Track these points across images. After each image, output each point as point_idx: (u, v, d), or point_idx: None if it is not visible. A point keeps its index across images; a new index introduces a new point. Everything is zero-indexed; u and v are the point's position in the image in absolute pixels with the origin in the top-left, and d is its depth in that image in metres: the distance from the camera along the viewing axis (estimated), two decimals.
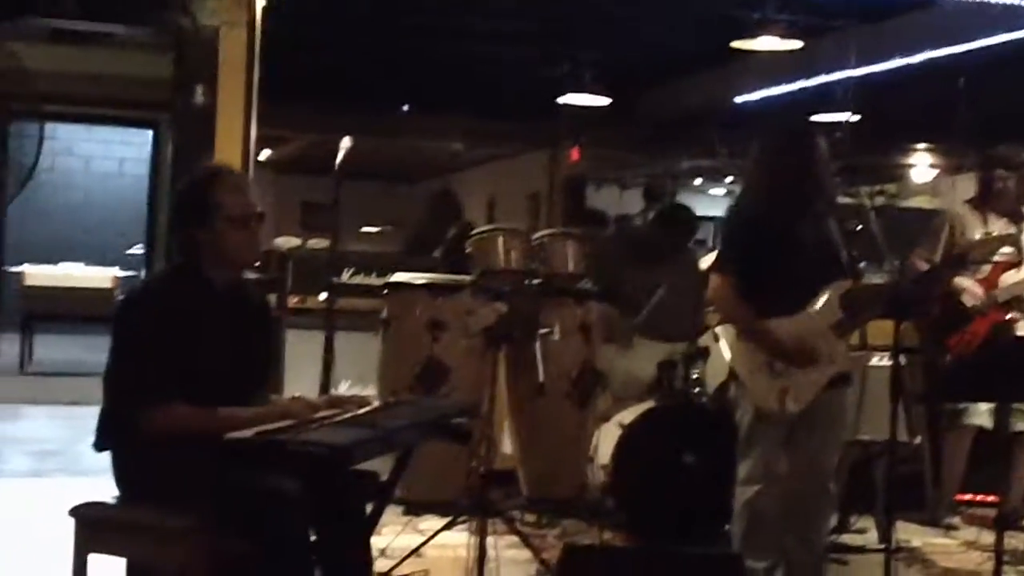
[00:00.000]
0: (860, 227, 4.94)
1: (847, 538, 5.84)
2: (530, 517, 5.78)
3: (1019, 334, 6.06)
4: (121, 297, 5.15)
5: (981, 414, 6.04)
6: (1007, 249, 6.02)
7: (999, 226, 6.14)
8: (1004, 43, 7.49)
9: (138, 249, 12.13)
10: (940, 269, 5.74)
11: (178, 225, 3.69)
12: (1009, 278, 6.04)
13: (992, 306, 6.02)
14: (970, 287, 6.02)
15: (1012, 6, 6.65)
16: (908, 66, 8.33)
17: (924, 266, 6.02)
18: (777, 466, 4.73)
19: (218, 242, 3.60)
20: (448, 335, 5.79)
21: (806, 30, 7.80)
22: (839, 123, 8.92)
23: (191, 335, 3.50)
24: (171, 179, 5.55)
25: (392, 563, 4.78)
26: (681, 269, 6.50)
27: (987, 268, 6.02)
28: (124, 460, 3.57)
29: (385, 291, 6.15)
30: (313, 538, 3.49)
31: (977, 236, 6.10)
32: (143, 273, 11.30)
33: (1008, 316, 6.04)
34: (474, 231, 6.06)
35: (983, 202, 6.24)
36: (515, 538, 4.96)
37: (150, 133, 11.23)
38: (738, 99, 10.36)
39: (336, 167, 5.03)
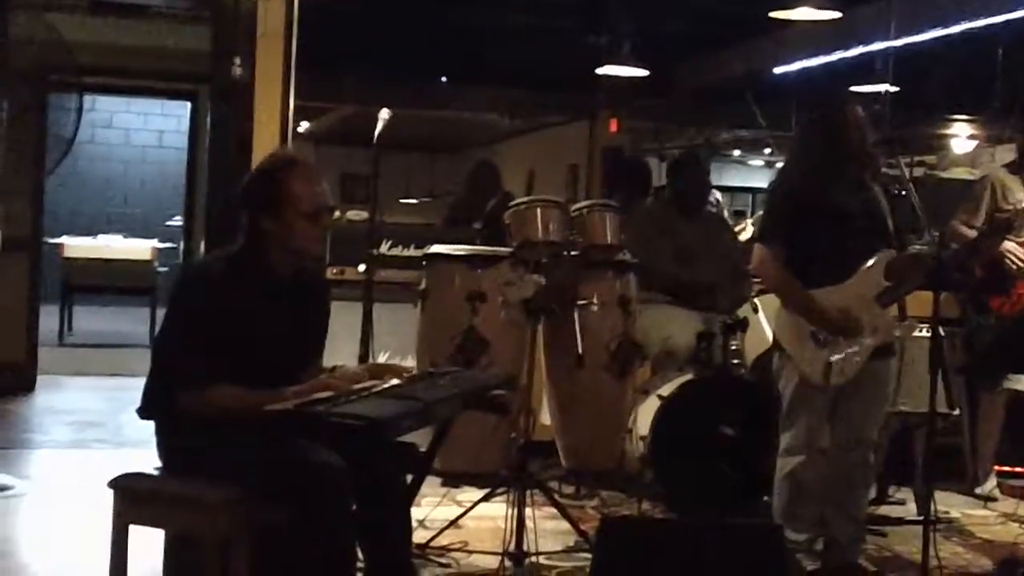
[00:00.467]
0: (903, 194, 4.90)
1: (886, 509, 5.84)
2: (568, 488, 5.81)
3: None
4: (179, 274, 5.19)
5: (1019, 380, 6.00)
6: None
7: None
8: None
9: (176, 221, 12.17)
10: (984, 238, 5.70)
11: (246, 210, 3.69)
12: None
13: None
14: (1014, 250, 6.01)
15: None
16: (946, 36, 8.24)
17: (966, 230, 6.01)
18: (820, 437, 4.73)
19: (287, 233, 3.62)
20: (487, 307, 5.78)
21: (844, 0, 7.72)
22: (878, 94, 8.84)
23: (247, 321, 3.54)
24: (209, 151, 5.53)
25: (431, 534, 4.80)
26: (709, 226, 6.47)
27: None
28: (167, 431, 3.61)
29: (424, 263, 6.15)
30: (353, 509, 3.49)
31: (1021, 198, 6.10)
32: (181, 245, 11.36)
33: None
34: (513, 202, 6.03)
35: (1018, 166, 6.24)
36: (553, 509, 4.96)
37: (188, 105, 11.23)
38: (776, 70, 10.28)
39: (375, 139, 5.03)
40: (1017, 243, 6.03)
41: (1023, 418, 6.31)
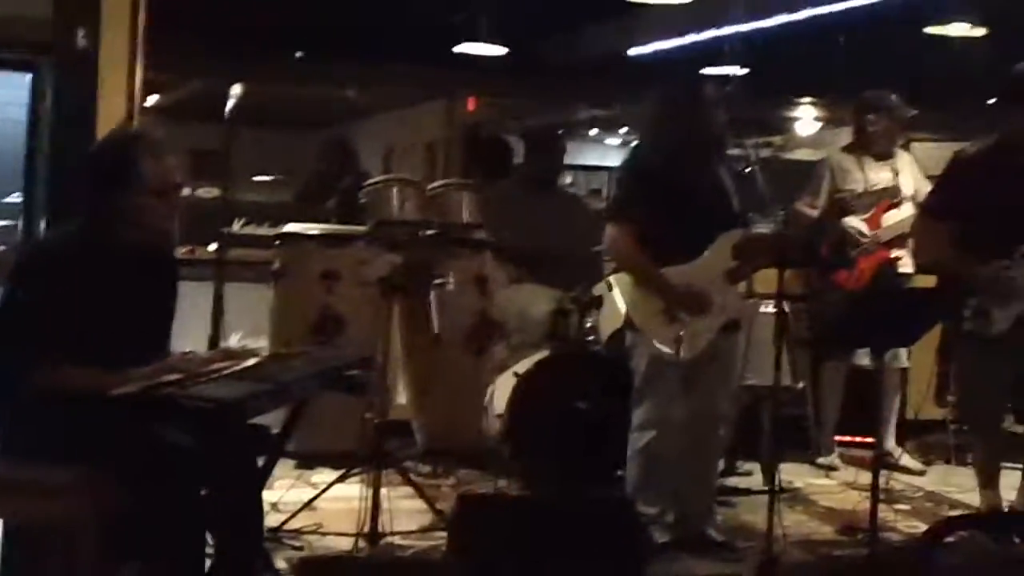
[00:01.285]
0: (748, 172, 4.99)
1: (734, 480, 5.95)
2: (425, 468, 5.81)
3: (902, 271, 6.25)
4: (19, 253, 5.04)
5: (861, 354, 6.16)
6: (886, 187, 6.25)
7: (875, 169, 6.31)
8: (880, 1, 7.62)
9: (15, 198, 11.84)
10: (826, 220, 5.85)
11: (91, 186, 3.60)
12: (891, 217, 6.25)
13: (877, 244, 6.19)
14: (855, 224, 6.18)
15: None
16: (793, 22, 8.42)
17: (809, 212, 6.16)
18: (673, 411, 4.78)
19: (136, 210, 3.54)
20: (342, 286, 5.75)
21: None
22: (728, 77, 9.00)
23: (92, 301, 3.45)
24: (51, 125, 5.35)
25: (284, 517, 4.74)
26: (564, 205, 6.49)
27: (868, 205, 6.23)
28: (8, 415, 3.50)
29: (278, 241, 6.07)
30: (203, 492, 3.44)
31: (857, 179, 6.29)
32: (20, 222, 11.04)
33: (893, 254, 6.22)
34: (369, 181, 5.99)
35: (859, 147, 6.43)
36: (409, 489, 4.94)
37: (29, 77, 10.89)
38: (633, 51, 10.39)
39: (227, 114, 4.93)
40: (861, 219, 6.19)
41: (862, 390, 6.49)
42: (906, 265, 6.25)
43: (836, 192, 6.26)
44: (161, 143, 3.66)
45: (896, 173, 6.30)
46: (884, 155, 6.33)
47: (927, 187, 6.48)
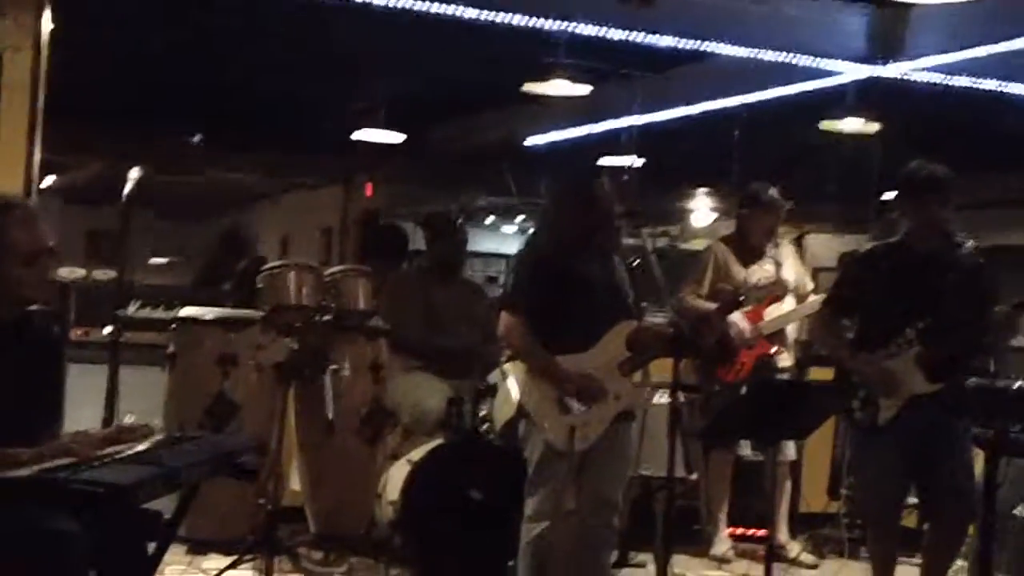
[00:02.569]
0: (639, 265, 5.06)
1: (627, 572, 5.93)
2: (317, 554, 5.74)
3: (781, 365, 6.35)
4: None
5: (744, 445, 6.26)
6: (766, 282, 6.35)
7: (758, 263, 6.40)
8: (775, 97, 7.84)
9: None
10: (718, 312, 5.95)
11: None
12: (773, 312, 6.33)
13: (758, 338, 6.29)
14: (737, 321, 6.23)
15: (780, 63, 6.96)
16: (689, 115, 8.62)
17: (699, 302, 6.24)
18: (566, 501, 4.76)
19: (4, 279, 3.46)
20: (238, 370, 5.71)
21: (594, 76, 7.97)
22: (625, 167, 9.13)
23: None
24: None
25: None
26: (462, 293, 6.56)
27: (752, 300, 6.26)
28: None
29: (173, 325, 6.03)
30: None
31: (738, 272, 6.36)
32: None
33: (772, 349, 6.33)
34: (265, 265, 5.99)
35: (738, 239, 6.52)
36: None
37: None
38: (529, 140, 10.53)
39: (124, 196, 4.93)
40: (742, 314, 6.22)
41: (754, 483, 6.58)
42: (785, 359, 6.37)
43: (719, 282, 6.32)
44: (30, 209, 3.58)
45: (778, 266, 6.40)
46: (760, 249, 6.41)
47: (808, 280, 6.68)
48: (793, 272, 6.49)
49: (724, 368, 6.25)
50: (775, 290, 6.37)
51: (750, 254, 6.42)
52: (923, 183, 5.03)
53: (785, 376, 6.32)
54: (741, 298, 6.06)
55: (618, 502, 4.95)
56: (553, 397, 4.76)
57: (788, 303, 6.39)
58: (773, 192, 6.42)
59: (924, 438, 5.00)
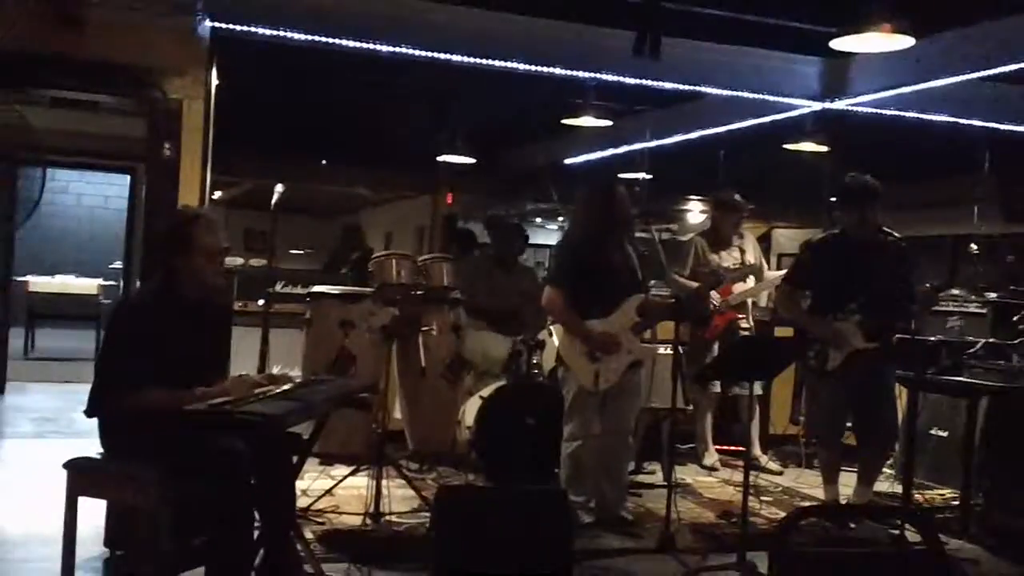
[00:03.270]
0: (649, 252, 5.05)
1: (641, 478, 5.95)
2: (414, 465, 5.77)
3: (744, 326, 6.29)
4: (115, 304, 4.98)
5: (713, 383, 6.21)
6: (734, 265, 6.29)
7: (726, 251, 6.33)
8: (750, 125, 7.77)
9: (117, 265, 11.83)
10: (705, 288, 5.91)
11: (162, 254, 3.59)
12: (738, 288, 6.29)
13: (726, 307, 6.24)
14: (713, 294, 6.18)
15: (755, 100, 6.90)
16: (687, 140, 8.55)
17: (683, 280, 6.18)
18: (592, 427, 4.80)
19: (194, 270, 3.52)
20: (355, 332, 5.76)
21: (615, 112, 7.94)
22: (638, 180, 9.09)
23: (166, 337, 3.44)
24: (144, 212, 5.40)
25: (311, 500, 4.74)
26: (520, 277, 6.56)
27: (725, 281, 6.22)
28: (108, 425, 3.49)
29: (308, 298, 6.10)
30: (253, 482, 3.44)
31: (711, 258, 6.30)
32: (121, 283, 11.02)
33: (739, 316, 6.29)
34: (374, 255, 6.03)
35: (712, 232, 6.45)
36: (403, 481, 4.93)
37: (128, 177, 10.92)
38: (567, 160, 10.49)
39: (272, 204, 4.99)
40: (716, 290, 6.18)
41: (734, 413, 6.55)
42: (745, 323, 6.30)
43: (698, 266, 6.28)
44: (212, 219, 3.62)
45: (743, 253, 6.35)
46: (728, 239, 6.34)
47: (764, 263, 6.63)
48: (754, 258, 6.44)
49: (702, 329, 6.20)
50: (741, 272, 6.32)
51: (721, 244, 6.37)
52: (857, 191, 4.99)
53: (745, 334, 6.25)
54: (721, 279, 6.06)
55: (632, 427, 5.00)
56: (583, 350, 4.77)
57: (750, 281, 6.35)
58: (737, 196, 6.39)
59: (861, 381, 4.98)
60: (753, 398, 6.15)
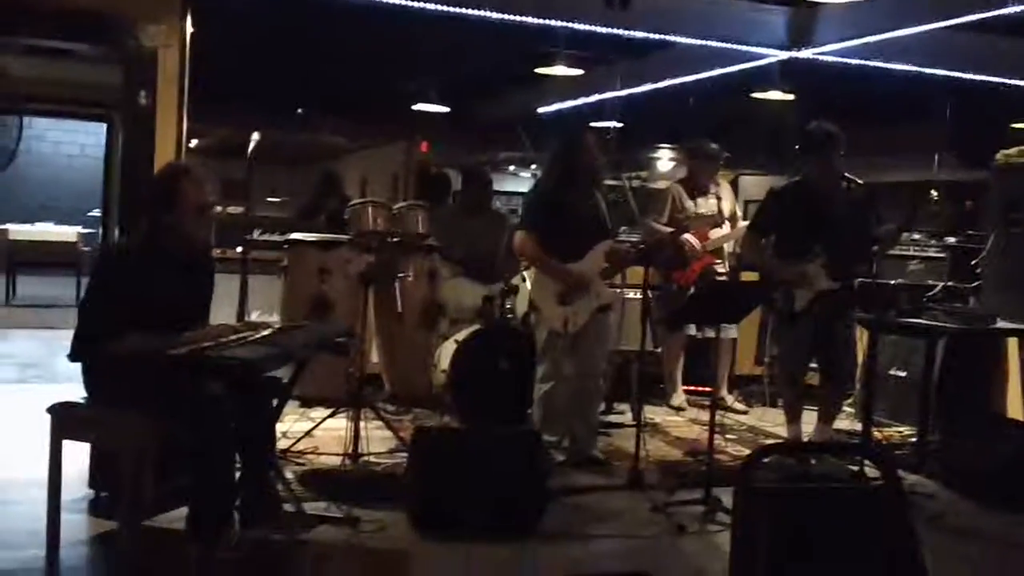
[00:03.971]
0: (620, 201, 5.04)
1: (612, 418, 6.00)
2: (391, 407, 5.79)
3: (720, 271, 6.30)
4: (100, 251, 4.91)
5: (689, 327, 6.25)
6: (710, 213, 6.30)
7: (703, 199, 6.33)
8: (719, 74, 7.74)
9: (95, 212, 11.69)
10: (672, 235, 5.91)
11: (148, 206, 3.55)
12: (714, 234, 6.30)
13: (703, 253, 6.25)
14: (689, 239, 6.21)
15: (723, 49, 6.87)
16: (656, 89, 8.51)
17: (658, 227, 6.19)
18: (564, 369, 4.84)
19: (180, 223, 3.50)
20: (332, 278, 5.71)
21: (586, 61, 7.88)
22: (609, 128, 9.06)
23: (152, 287, 3.43)
24: (121, 161, 5.31)
25: (291, 442, 4.76)
26: (490, 221, 6.54)
27: (700, 225, 6.26)
28: (91, 370, 3.49)
29: (285, 245, 6.03)
30: (233, 425, 3.43)
31: (688, 205, 6.30)
32: (99, 230, 10.90)
33: (715, 261, 6.30)
34: (351, 202, 5.98)
35: (689, 180, 6.44)
36: (380, 423, 4.96)
37: (105, 126, 10.73)
38: (540, 109, 10.43)
39: (249, 153, 4.92)
40: (692, 234, 6.22)
41: (703, 354, 6.59)
42: (721, 268, 6.32)
43: (676, 213, 6.29)
44: (200, 173, 3.60)
45: (719, 200, 6.35)
46: (705, 188, 6.33)
47: (739, 210, 6.64)
48: (729, 205, 6.45)
49: (680, 273, 6.24)
50: (716, 219, 6.33)
51: (699, 192, 6.37)
52: (820, 138, 4.99)
53: (722, 279, 6.28)
54: (686, 226, 6.07)
55: (601, 369, 5.01)
56: (553, 294, 4.78)
57: (726, 228, 6.36)
58: (713, 145, 6.38)
59: (825, 322, 5.02)
60: (727, 341, 6.20)
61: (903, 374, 6.02)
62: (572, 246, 4.79)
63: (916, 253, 6.29)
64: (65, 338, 3.51)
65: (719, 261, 6.33)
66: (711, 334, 6.12)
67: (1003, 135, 6.78)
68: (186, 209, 3.48)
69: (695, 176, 6.39)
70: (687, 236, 6.20)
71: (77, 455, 3.71)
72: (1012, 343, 5.76)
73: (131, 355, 3.32)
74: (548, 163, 5.10)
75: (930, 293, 5.43)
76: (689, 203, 6.33)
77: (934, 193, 8.27)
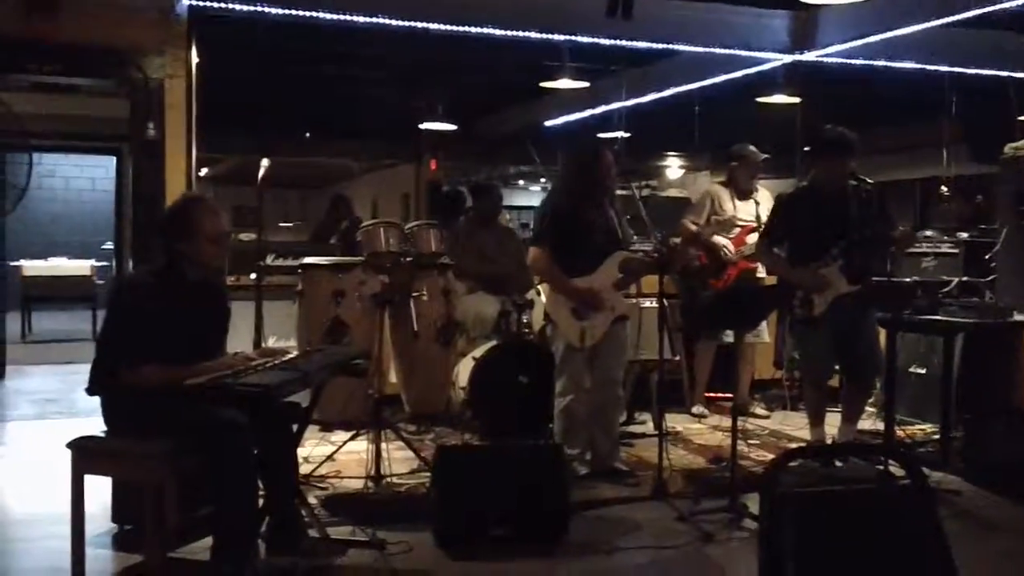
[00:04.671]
0: (630, 217, 5.01)
1: (633, 428, 5.96)
2: (411, 427, 5.76)
3: (760, 276, 6.17)
4: (115, 284, 4.92)
5: (727, 334, 6.18)
6: (750, 217, 6.16)
7: (742, 203, 6.20)
8: (724, 80, 7.74)
9: (108, 245, 11.74)
10: (682, 244, 5.84)
11: (164, 237, 3.55)
12: (751, 239, 6.19)
13: (739, 257, 6.15)
14: (726, 244, 6.14)
15: (727, 55, 6.87)
16: (661, 98, 8.51)
17: (692, 227, 6.12)
18: (583, 381, 4.81)
19: (196, 253, 3.51)
20: (347, 300, 5.73)
21: (591, 73, 7.89)
22: (616, 139, 9.05)
23: (168, 317, 3.42)
24: (132, 193, 5.34)
25: (313, 466, 4.74)
26: (502, 235, 6.53)
27: (738, 230, 6.14)
28: (110, 403, 3.49)
29: (299, 270, 6.05)
30: (255, 452, 3.43)
31: (728, 208, 6.19)
32: (113, 263, 10.95)
33: (754, 265, 6.16)
34: (362, 224, 5.99)
35: (729, 183, 6.33)
36: (401, 443, 4.92)
37: (114, 159, 10.82)
38: (547, 122, 10.44)
39: (259, 180, 4.93)
40: (730, 239, 6.13)
41: (727, 359, 6.54)
42: (762, 272, 6.18)
43: (713, 215, 6.19)
44: (214, 203, 3.63)
45: (758, 205, 6.18)
46: (746, 191, 6.21)
47: None
48: (767, 210, 6.35)
49: (716, 279, 6.14)
50: (753, 223, 6.21)
51: (740, 195, 6.22)
52: (833, 142, 4.96)
53: (763, 283, 6.15)
54: (698, 231, 6.01)
55: (619, 379, 4.98)
56: (569, 308, 4.76)
57: None
58: (752, 148, 6.26)
59: (846, 325, 5.00)
60: (752, 346, 6.14)
61: (923, 371, 5.97)
62: (586, 259, 4.77)
63: (929, 250, 6.24)
64: (83, 372, 3.50)
65: (756, 265, 6.18)
66: (750, 338, 6.11)
67: (1012, 128, 6.73)
68: (202, 239, 3.50)
69: (736, 180, 6.25)
70: (722, 240, 6.12)
71: (100, 489, 3.70)
72: None
73: (150, 386, 3.33)
74: (564, 177, 5.07)
75: (945, 289, 5.38)
76: (729, 205, 6.20)
77: (944, 189, 8.22)
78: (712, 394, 6.55)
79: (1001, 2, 5.63)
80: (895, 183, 11.00)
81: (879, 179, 5.20)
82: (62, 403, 6.86)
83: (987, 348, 5.73)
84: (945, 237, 6.34)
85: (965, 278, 5.69)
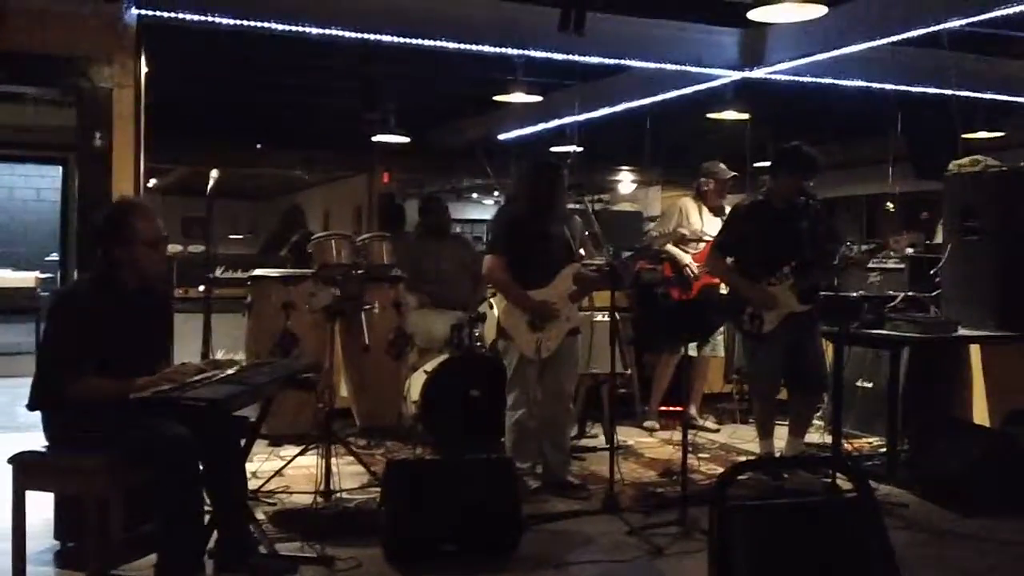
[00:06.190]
0: (583, 223, 5.04)
1: (584, 442, 5.98)
2: (362, 441, 5.73)
3: (723, 291, 6.09)
4: (53, 296, 4.81)
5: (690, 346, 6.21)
6: (713, 234, 6.17)
7: (710, 218, 6.24)
8: (674, 96, 7.81)
9: (54, 256, 11.53)
10: (632, 259, 5.88)
11: (100, 244, 3.48)
12: None
13: (701, 273, 6.14)
14: (689, 262, 6.18)
15: (677, 71, 6.95)
16: (614, 113, 8.56)
17: (660, 239, 6.17)
18: (534, 395, 4.81)
19: (134, 259, 3.44)
20: (297, 313, 5.70)
21: (544, 87, 7.93)
22: (569, 153, 9.09)
23: (106, 327, 3.35)
24: (78, 203, 5.24)
25: (261, 481, 4.68)
26: (454, 247, 6.52)
27: (703, 245, 6.13)
28: (52, 417, 3.41)
29: (249, 282, 5.99)
30: (201, 467, 3.37)
31: (696, 222, 6.24)
32: (58, 275, 10.74)
33: (716, 280, 6.08)
34: (313, 236, 5.95)
35: (698, 197, 6.36)
36: (352, 458, 4.89)
37: (60, 168, 10.63)
38: (500, 136, 10.46)
39: (208, 190, 4.87)
40: (693, 256, 6.16)
41: (678, 372, 6.56)
42: (724, 287, 6.21)
43: (679, 227, 6.23)
44: (149, 207, 3.54)
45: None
46: (716, 207, 6.25)
47: None
48: None
49: (679, 292, 6.16)
50: (677, 237, 6.25)
51: (711, 211, 6.27)
52: (798, 160, 5.03)
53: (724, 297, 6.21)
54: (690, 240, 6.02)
55: (571, 392, 5.01)
56: (524, 320, 4.77)
57: None
58: (722, 165, 6.30)
59: (794, 341, 5.07)
60: (707, 360, 6.18)
61: (869, 385, 6.06)
62: (541, 271, 4.79)
63: (875, 265, 6.34)
64: (25, 386, 3.42)
65: (718, 281, 6.22)
66: (707, 351, 6.14)
67: (955, 146, 6.88)
68: (138, 244, 3.43)
69: (705, 195, 6.30)
70: (686, 258, 6.16)
71: (41, 505, 3.62)
72: (974, 350, 5.82)
73: (92, 400, 3.26)
74: (520, 189, 5.09)
75: (892, 304, 5.48)
76: (696, 219, 6.24)
77: (890, 205, 8.38)
78: (664, 407, 6.58)
79: (942, 23, 5.77)
80: (843, 199, 11.20)
81: (827, 195, 5.30)
82: (3, 417, 6.69)
83: (933, 362, 5.83)
84: (891, 253, 6.45)
85: (911, 293, 5.79)
